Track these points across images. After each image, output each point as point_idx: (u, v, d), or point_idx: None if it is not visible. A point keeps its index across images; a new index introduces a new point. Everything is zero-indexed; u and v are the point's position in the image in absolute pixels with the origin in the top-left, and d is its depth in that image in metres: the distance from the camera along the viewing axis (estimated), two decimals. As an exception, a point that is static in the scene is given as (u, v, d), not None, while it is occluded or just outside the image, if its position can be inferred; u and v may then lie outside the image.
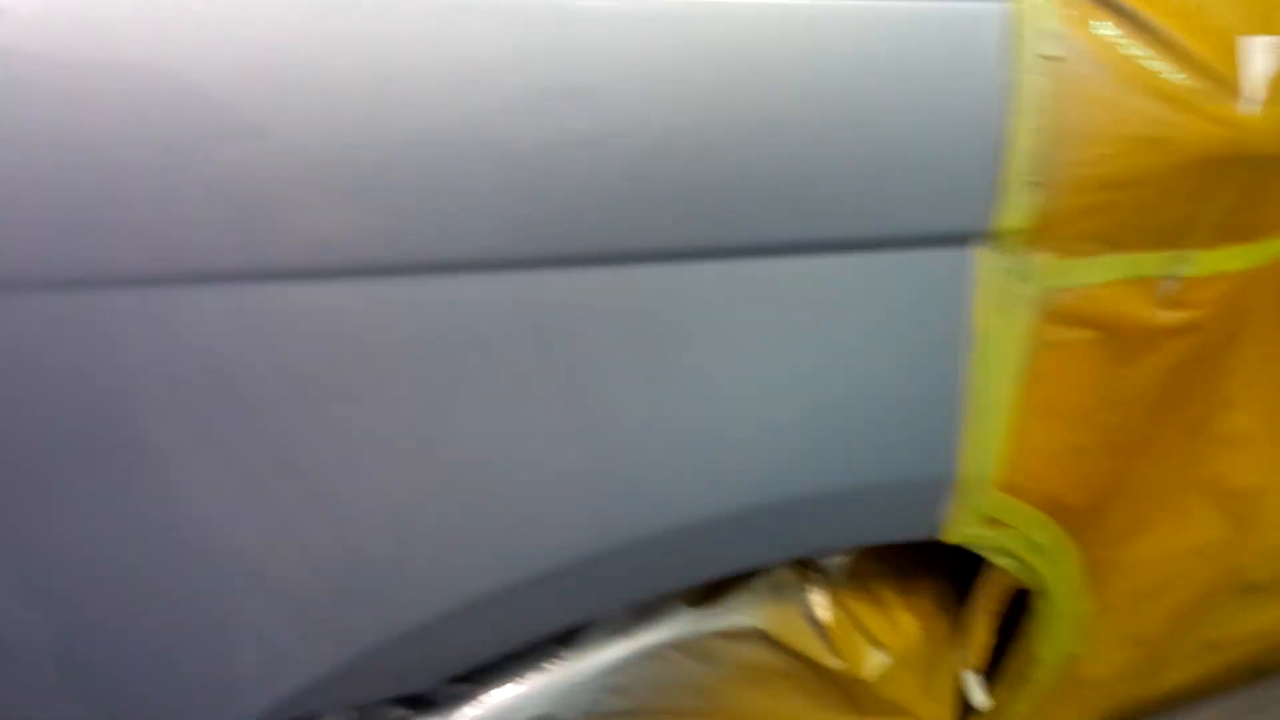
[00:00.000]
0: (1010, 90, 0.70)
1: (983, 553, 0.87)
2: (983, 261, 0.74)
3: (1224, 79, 0.74)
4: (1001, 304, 0.76)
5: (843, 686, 0.92)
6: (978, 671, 1.04)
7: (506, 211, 0.62)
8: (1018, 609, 1.05)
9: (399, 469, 0.65)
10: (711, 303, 0.69)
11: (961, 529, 0.84)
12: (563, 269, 0.65)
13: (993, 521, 0.85)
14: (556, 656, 0.80)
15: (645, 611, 0.82)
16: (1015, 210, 0.73)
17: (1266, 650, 1.36)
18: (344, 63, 0.57)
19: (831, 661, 0.89)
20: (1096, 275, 0.78)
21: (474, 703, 0.79)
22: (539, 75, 0.59)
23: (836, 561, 0.88)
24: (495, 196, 0.61)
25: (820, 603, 0.88)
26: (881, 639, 0.92)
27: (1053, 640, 1.02)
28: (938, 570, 0.98)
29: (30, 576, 0.63)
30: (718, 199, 0.66)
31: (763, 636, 0.86)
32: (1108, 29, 0.72)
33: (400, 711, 0.77)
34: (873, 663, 0.91)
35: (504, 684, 0.80)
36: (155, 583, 0.65)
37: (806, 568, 0.88)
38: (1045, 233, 0.75)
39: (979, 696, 1.05)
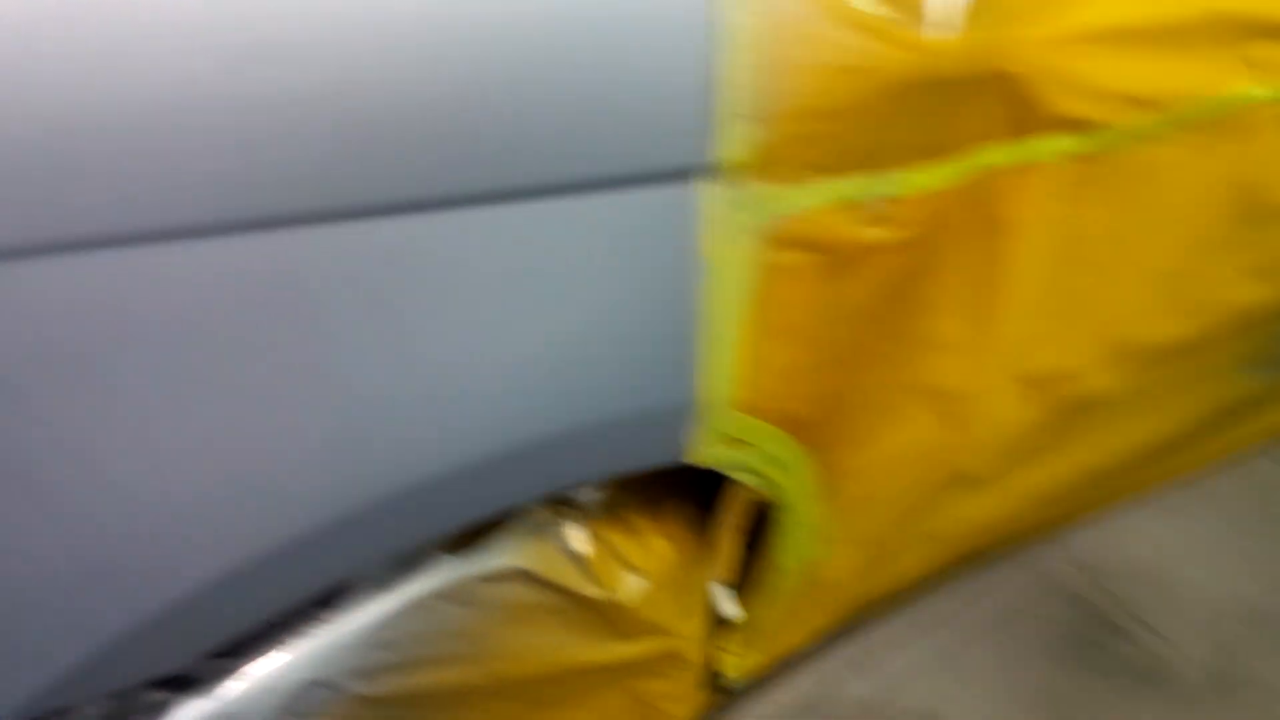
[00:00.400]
0: (720, 28, 0.72)
1: (727, 471, 0.91)
2: (706, 194, 0.77)
3: (913, 8, 0.79)
4: (727, 233, 0.79)
5: (604, 613, 0.94)
6: (728, 585, 1.09)
7: (213, 175, 0.60)
8: (762, 523, 1.11)
9: (132, 447, 0.63)
10: (439, 255, 0.69)
11: (706, 451, 0.88)
12: (279, 230, 0.64)
13: (734, 441, 0.89)
14: (318, 619, 0.79)
15: (405, 563, 0.83)
16: (732, 143, 0.76)
17: (979, 535, 1.48)
18: (40, 33, 0.54)
19: (591, 590, 0.91)
20: (811, 200, 0.82)
21: (236, 676, 0.77)
22: (235, 35, 0.58)
23: (589, 495, 0.91)
24: (200, 161, 0.59)
25: (577, 536, 0.90)
26: (637, 564, 0.95)
27: (793, 548, 1.08)
28: (686, 494, 1.02)
29: None
30: (431, 150, 0.66)
31: (524, 575, 0.87)
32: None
33: (159, 694, 0.75)
34: (630, 587, 0.94)
35: (266, 653, 0.78)
36: None
37: (561, 504, 0.89)
38: (762, 163, 0.78)
39: (729, 607, 1.10)
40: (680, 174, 0.75)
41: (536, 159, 0.69)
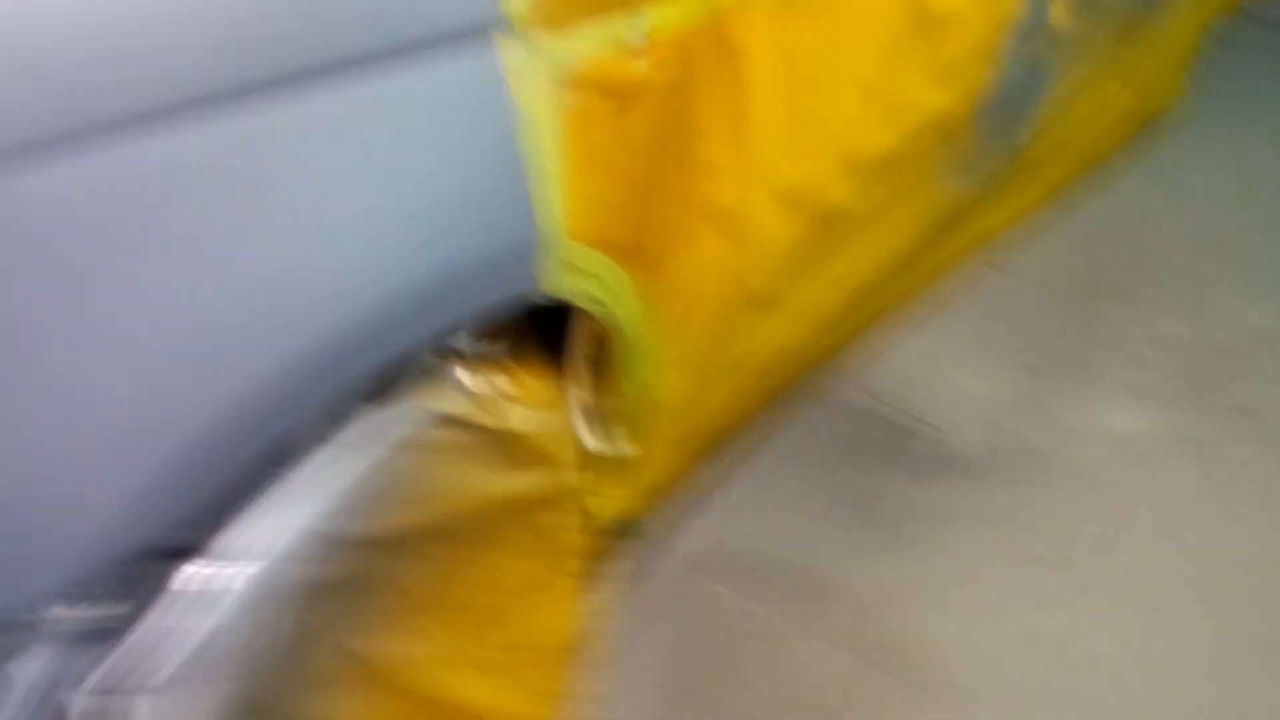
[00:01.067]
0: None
1: (572, 299, 1.07)
2: (506, 48, 0.92)
3: None
4: (530, 81, 0.95)
5: (502, 444, 1.09)
6: (586, 417, 1.25)
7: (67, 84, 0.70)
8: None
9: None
10: (284, 136, 0.81)
11: (553, 280, 1.03)
12: (137, 132, 0.74)
13: (574, 269, 1.05)
14: (278, 476, 0.91)
15: (336, 417, 0.94)
16: (514, -1, 0.91)
17: (776, 361, 1.68)
18: None
19: (488, 420, 1.05)
20: (585, 45, 0.98)
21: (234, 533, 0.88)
22: None
23: (465, 343, 1.04)
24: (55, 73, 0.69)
25: (464, 375, 1.04)
26: (517, 397, 1.10)
27: (630, 373, 1.24)
28: (540, 337, 1.17)
29: None
30: (259, 35, 0.78)
31: (435, 415, 1.01)
32: None
33: (161, 564, 0.85)
34: (517, 416, 1.09)
35: (251, 511, 0.89)
36: None
37: (446, 352, 1.03)
38: (539, 12, 0.93)
39: (588, 438, 1.26)
40: (481, 30, 0.90)
41: (365, 29, 0.82)
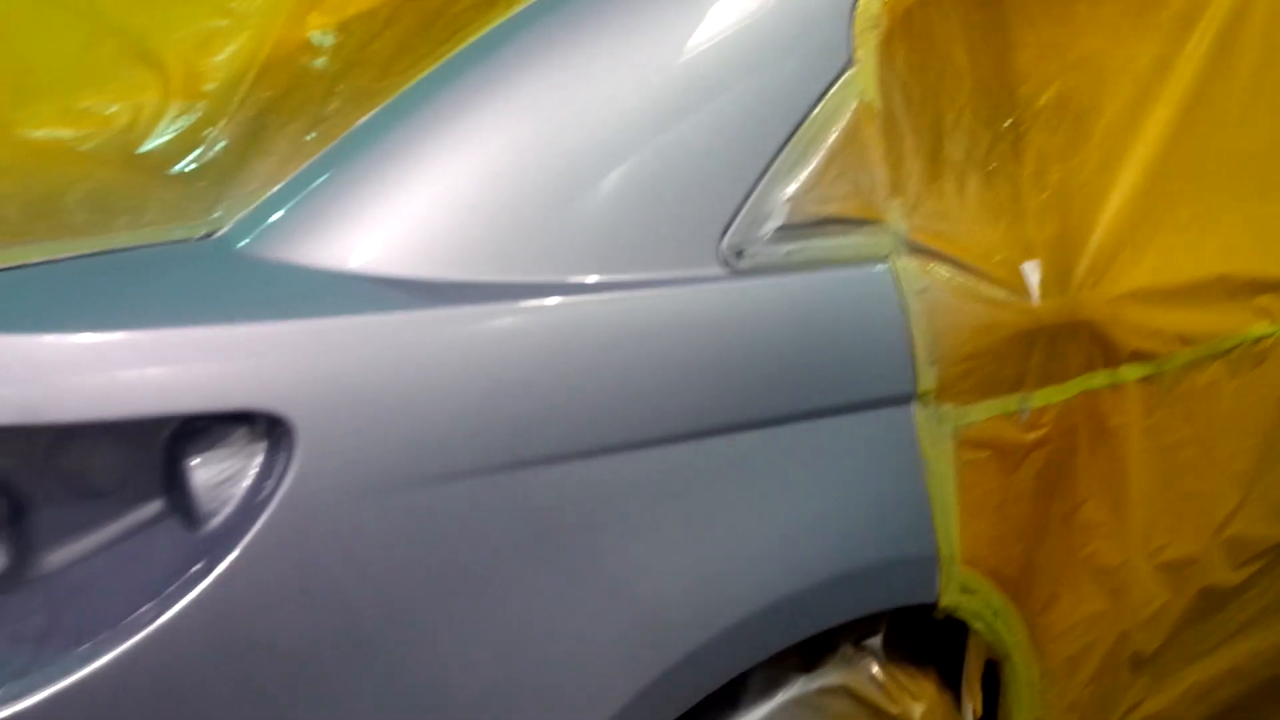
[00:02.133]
0: (906, 313, 1.24)
1: (963, 616, 1.33)
2: (918, 413, 1.26)
3: (1019, 288, 1.31)
4: (933, 439, 1.27)
5: (888, 726, 1.34)
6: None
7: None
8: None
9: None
10: (742, 465, 1.17)
11: (947, 595, 1.31)
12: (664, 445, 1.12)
13: (965, 589, 1.32)
14: (733, 711, 1.21)
15: (771, 682, 1.24)
16: (925, 378, 1.25)
17: None
18: None
19: (892, 708, 1.31)
20: (981, 414, 1.30)
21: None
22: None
23: (874, 643, 1.33)
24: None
25: (875, 667, 1.32)
26: (916, 694, 1.35)
27: (1019, 704, 1.46)
28: (931, 655, 1.42)
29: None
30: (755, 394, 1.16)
31: (846, 691, 1.28)
32: (946, 271, 1.28)
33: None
34: (915, 712, 1.34)
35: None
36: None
37: (857, 646, 1.32)
38: (944, 390, 1.27)
39: (975, 761, 1.47)
40: (902, 399, 1.24)
41: (821, 393, 1.19)
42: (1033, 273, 1.32)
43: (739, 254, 1.15)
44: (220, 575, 0.92)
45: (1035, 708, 1.46)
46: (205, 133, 1.13)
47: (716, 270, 1.14)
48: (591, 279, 1.08)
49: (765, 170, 1.17)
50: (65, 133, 1.17)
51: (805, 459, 1.19)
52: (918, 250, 1.26)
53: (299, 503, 0.93)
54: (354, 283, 1.02)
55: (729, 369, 1.13)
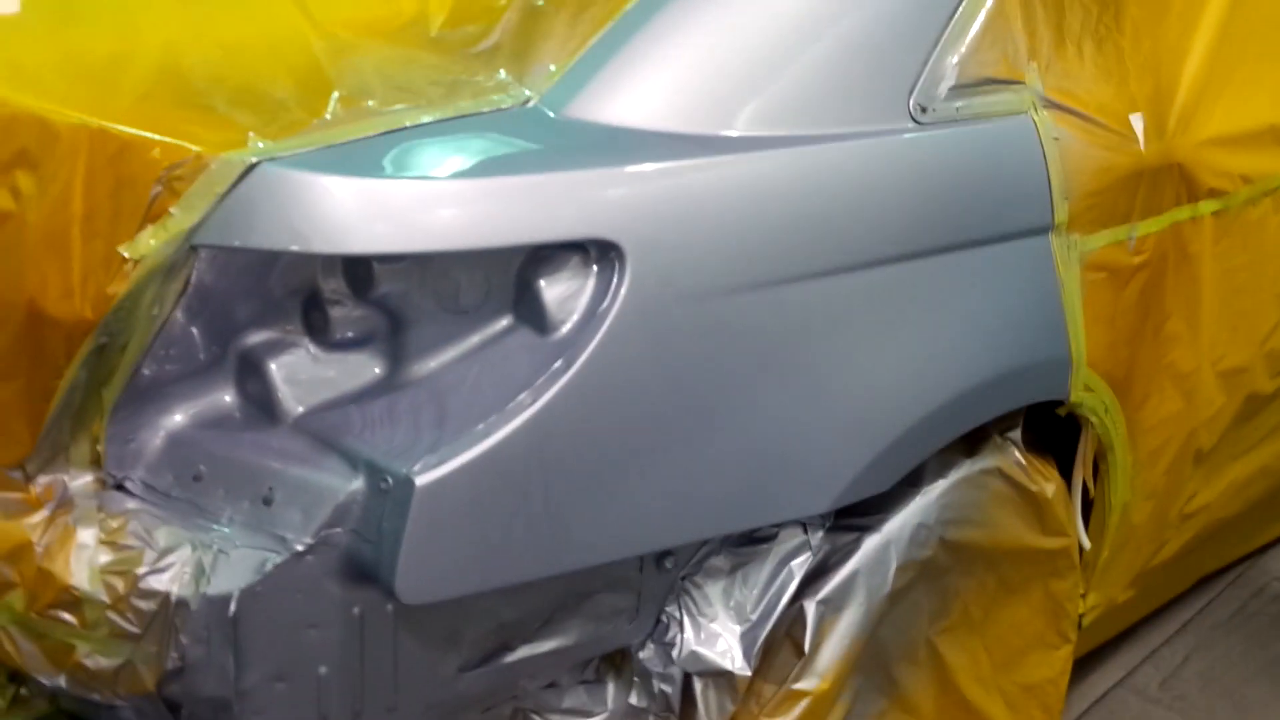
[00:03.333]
0: (1045, 158, 1.51)
1: (1083, 412, 1.63)
2: (1053, 240, 1.54)
3: (1129, 135, 1.59)
4: (1065, 262, 1.55)
5: (1037, 507, 1.62)
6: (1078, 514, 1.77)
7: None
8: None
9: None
10: (928, 285, 1.44)
11: (1075, 392, 1.60)
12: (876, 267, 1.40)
13: (1088, 388, 1.62)
14: (919, 486, 1.49)
15: (944, 463, 1.53)
16: (1060, 211, 1.53)
17: (1209, 535, 2.13)
18: None
19: (1032, 485, 1.61)
20: (1100, 241, 1.59)
21: (887, 519, 1.47)
22: None
23: (1014, 434, 1.62)
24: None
25: (1018, 452, 1.61)
26: (1046, 476, 1.65)
27: (1116, 488, 1.76)
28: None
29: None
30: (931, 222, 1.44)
31: (999, 472, 1.58)
32: (1074, 122, 1.55)
33: (849, 534, 1.44)
34: (1048, 488, 1.64)
35: (898, 510, 1.48)
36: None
37: (1001, 436, 1.61)
38: (1074, 221, 1.55)
39: (1084, 539, 1.78)
40: (1042, 230, 1.52)
41: (985, 224, 1.46)
42: (1138, 122, 1.60)
43: (923, 109, 1.41)
44: (580, 369, 1.17)
45: (1126, 492, 1.77)
46: (491, 22, 1.36)
47: (908, 124, 1.40)
48: (823, 130, 1.34)
49: (938, 41, 1.43)
50: (369, 15, 1.40)
51: (974, 280, 1.46)
52: (1051, 105, 1.53)
53: (631, 311, 1.19)
54: (648, 137, 1.27)
55: (920, 204, 1.40)
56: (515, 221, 1.17)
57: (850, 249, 1.34)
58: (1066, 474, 1.73)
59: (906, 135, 1.39)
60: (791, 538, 1.38)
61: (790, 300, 1.30)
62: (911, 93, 1.40)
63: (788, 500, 1.34)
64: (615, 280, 1.19)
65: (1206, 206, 1.70)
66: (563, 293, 1.19)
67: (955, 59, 1.44)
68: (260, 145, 1.13)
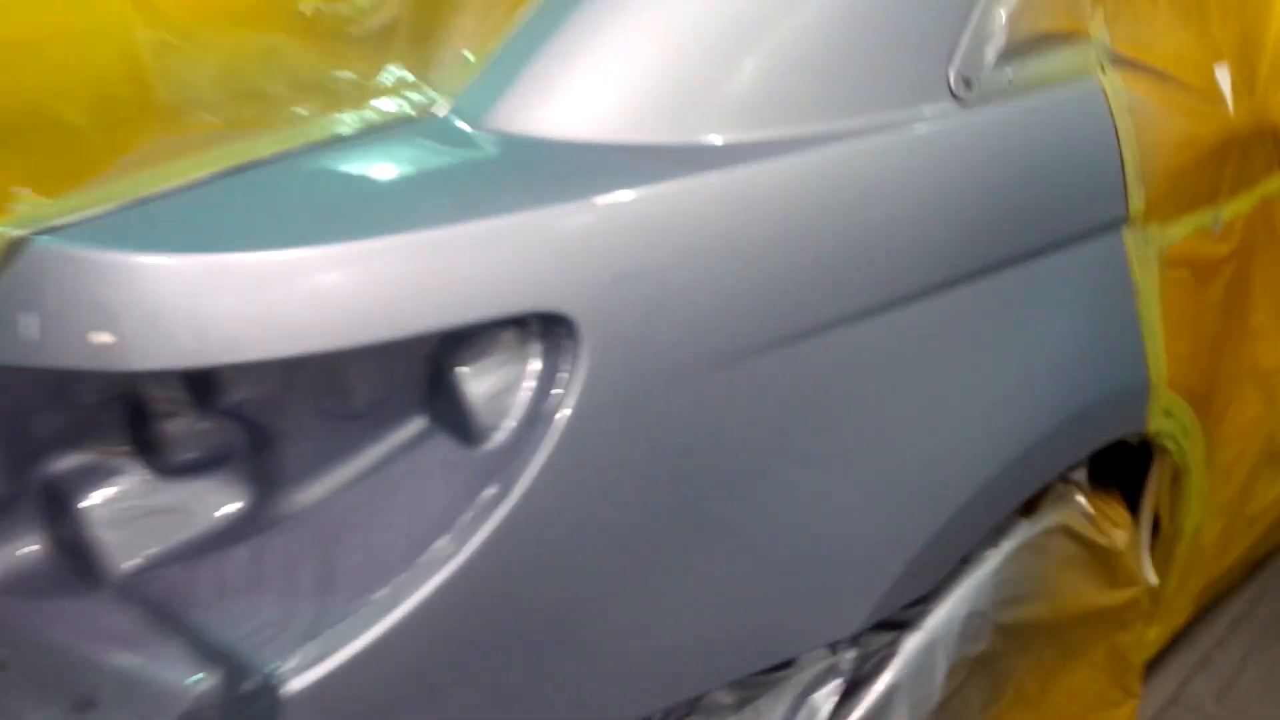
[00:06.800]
0: (1117, 132, 1.16)
1: (1161, 440, 1.30)
2: (1128, 236, 1.19)
3: (1215, 95, 1.23)
4: (1142, 261, 1.21)
5: (1106, 560, 1.30)
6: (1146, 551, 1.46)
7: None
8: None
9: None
10: (1003, 305, 1.10)
11: (1154, 421, 1.26)
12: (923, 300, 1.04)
13: (1168, 414, 1.28)
14: (969, 563, 1.16)
15: (998, 530, 1.20)
16: (1135, 199, 1.18)
17: (1275, 520, 1.82)
18: None
19: (1100, 539, 1.28)
20: (1181, 231, 1.24)
21: (931, 614, 1.13)
22: None
23: (1079, 476, 1.29)
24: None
25: (1083, 502, 1.28)
26: (1116, 522, 1.33)
27: (1190, 514, 1.44)
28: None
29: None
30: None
31: (1064, 529, 1.24)
32: (1149, 83, 1.19)
33: (887, 635, 1.11)
34: (1117, 538, 1.31)
35: (944, 597, 1.14)
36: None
37: (1067, 482, 1.27)
38: (1152, 210, 1.20)
39: (1150, 573, 1.46)
40: (1115, 223, 1.17)
41: (1050, 225, 1.11)
42: (1224, 77, 1.24)
43: (967, 84, 1.05)
44: (523, 496, 0.83)
45: (1199, 514, 1.45)
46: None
47: (949, 104, 1.04)
48: (837, 125, 0.98)
49: (981, -10, 1.06)
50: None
51: (1035, 301, 1.12)
52: (1121, 62, 1.17)
53: (590, 407, 0.84)
54: (605, 155, 0.90)
55: (970, 211, 1.05)
56: (423, 298, 0.81)
57: (884, 281, 1.00)
58: (1130, 497, 1.40)
59: (949, 121, 1.03)
60: (815, 662, 1.05)
61: (808, 362, 0.96)
62: (951, 62, 1.04)
63: (807, 629, 1.02)
64: (567, 365, 0.83)
65: (1303, 173, 1.35)
66: (494, 386, 0.84)
67: (1004, 11, 1.07)
68: (30, 208, 0.75)
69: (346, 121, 0.86)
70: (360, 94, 0.90)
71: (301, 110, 0.86)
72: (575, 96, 0.91)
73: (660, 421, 0.88)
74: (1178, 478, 1.40)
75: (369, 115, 0.87)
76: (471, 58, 0.92)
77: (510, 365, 0.85)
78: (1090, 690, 1.42)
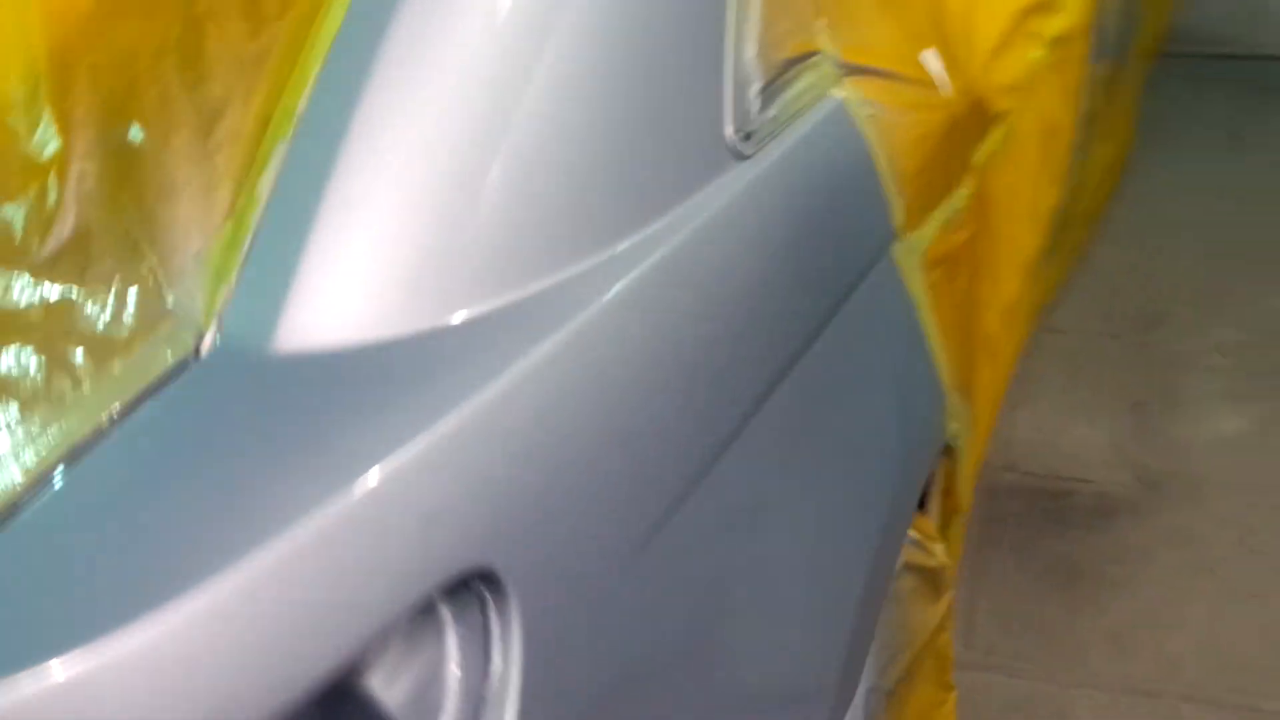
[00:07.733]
0: (869, 143, 1.07)
1: (951, 442, 1.25)
2: (897, 251, 1.12)
3: (927, 80, 1.17)
4: (910, 272, 1.14)
5: (934, 578, 1.25)
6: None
7: None
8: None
9: None
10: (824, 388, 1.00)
11: (949, 427, 1.21)
12: None
13: (953, 415, 1.23)
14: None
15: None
16: (897, 210, 1.11)
17: None
18: None
19: (930, 560, 1.22)
20: (932, 230, 1.18)
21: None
22: None
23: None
24: None
25: (911, 533, 1.22)
26: (930, 535, 1.27)
27: (965, 489, 1.43)
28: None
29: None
30: None
31: (905, 566, 1.17)
32: (877, 86, 1.12)
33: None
34: (939, 551, 1.26)
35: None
36: None
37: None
38: (909, 217, 1.13)
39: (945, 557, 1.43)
40: (886, 243, 1.09)
41: (847, 264, 1.01)
42: (934, 61, 1.19)
43: (747, 136, 0.92)
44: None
45: (970, 483, 1.45)
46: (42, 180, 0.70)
47: (736, 165, 0.91)
48: (632, 238, 0.81)
49: (727, 26, 0.93)
50: None
51: (846, 356, 1.02)
52: (851, 70, 1.08)
53: (544, 683, 0.65)
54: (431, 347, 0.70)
55: (776, 280, 0.93)
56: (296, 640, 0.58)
57: (729, 405, 0.85)
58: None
59: (741, 181, 0.90)
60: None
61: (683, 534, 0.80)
62: (724, 122, 0.90)
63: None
64: (499, 637, 0.64)
65: (996, 136, 1.34)
66: (404, 691, 0.63)
67: (751, 48, 0.95)
68: None
69: (106, 391, 0.60)
70: (101, 345, 0.64)
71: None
72: (363, 293, 0.69)
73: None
74: (954, 463, 1.37)
75: (131, 373, 0.62)
76: (224, 278, 0.68)
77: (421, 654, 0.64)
78: (924, 699, 1.38)
